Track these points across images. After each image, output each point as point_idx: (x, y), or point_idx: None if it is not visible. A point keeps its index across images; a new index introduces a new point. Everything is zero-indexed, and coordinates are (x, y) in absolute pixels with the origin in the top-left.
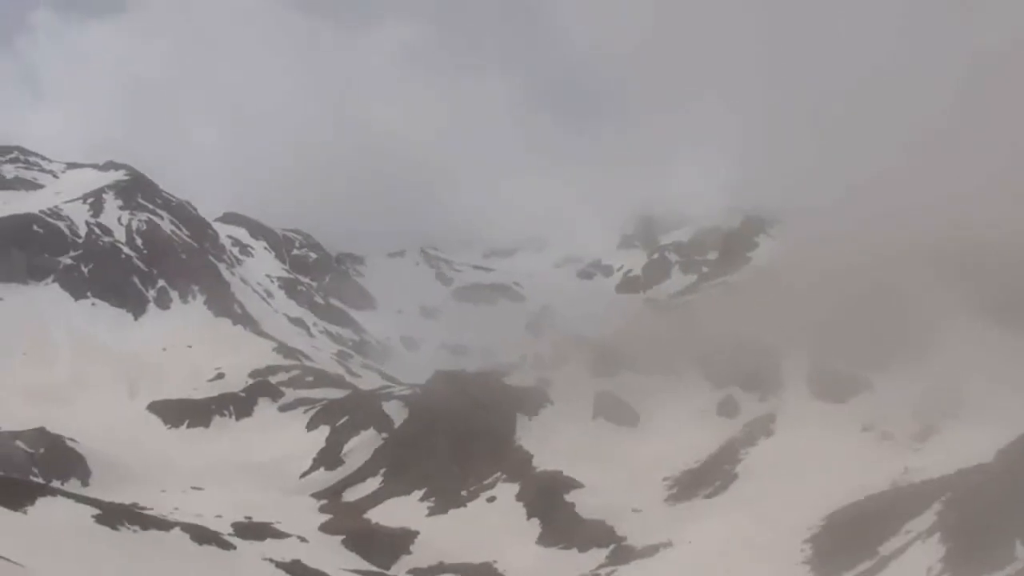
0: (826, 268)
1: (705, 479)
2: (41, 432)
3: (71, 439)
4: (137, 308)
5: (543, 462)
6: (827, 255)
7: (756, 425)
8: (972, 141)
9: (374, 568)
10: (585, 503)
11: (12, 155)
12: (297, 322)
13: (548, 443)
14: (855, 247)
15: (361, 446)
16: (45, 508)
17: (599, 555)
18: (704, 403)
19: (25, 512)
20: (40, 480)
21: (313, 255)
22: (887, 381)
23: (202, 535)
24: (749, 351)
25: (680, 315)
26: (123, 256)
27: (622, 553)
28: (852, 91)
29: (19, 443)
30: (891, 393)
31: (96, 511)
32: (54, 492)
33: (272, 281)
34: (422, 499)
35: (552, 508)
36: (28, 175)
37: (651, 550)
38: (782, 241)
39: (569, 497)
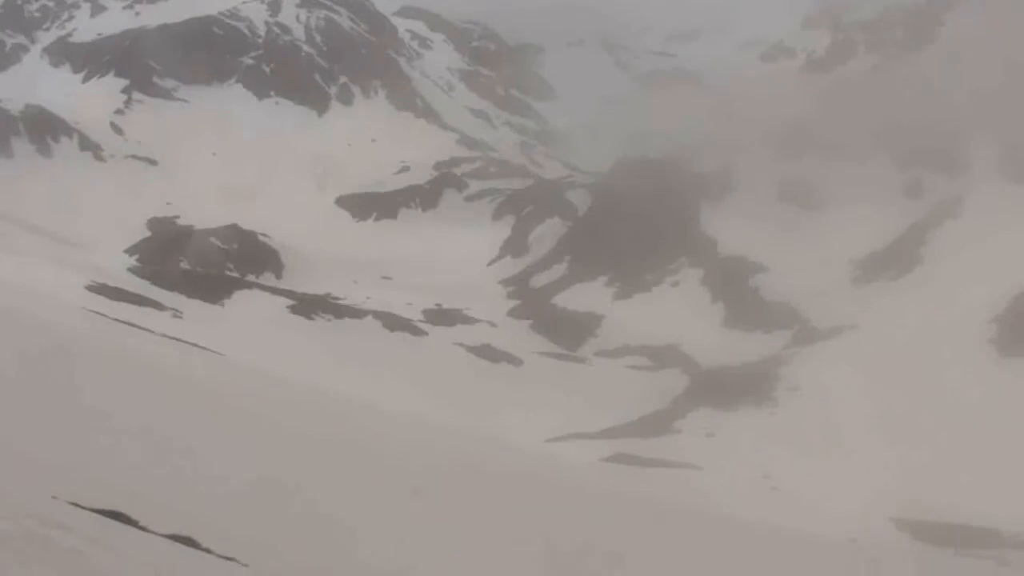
0: (1019, 45)
1: (890, 261)
2: (234, 229)
3: (263, 235)
4: (320, 105)
5: (727, 247)
6: (1020, 31)
7: (943, 207)
8: None
9: (562, 350)
10: (769, 286)
11: None
12: (479, 114)
13: (732, 228)
14: None
15: (546, 234)
16: (241, 301)
17: (784, 336)
18: (890, 185)
19: (222, 305)
20: (235, 275)
21: (492, 46)
22: None
23: (394, 322)
24: (937, 132)
25: (866, 96)
26: (304, 54)
27: (807, 334)
28: None
29: (214, 240)
30: None
31: (291, 302)
32: (250, 285)
33: (452, 74)
34: (607, 284)
35: (736, 291)
36: None
37: (836, 331)
38: (974, 16)
39: (753, 280)
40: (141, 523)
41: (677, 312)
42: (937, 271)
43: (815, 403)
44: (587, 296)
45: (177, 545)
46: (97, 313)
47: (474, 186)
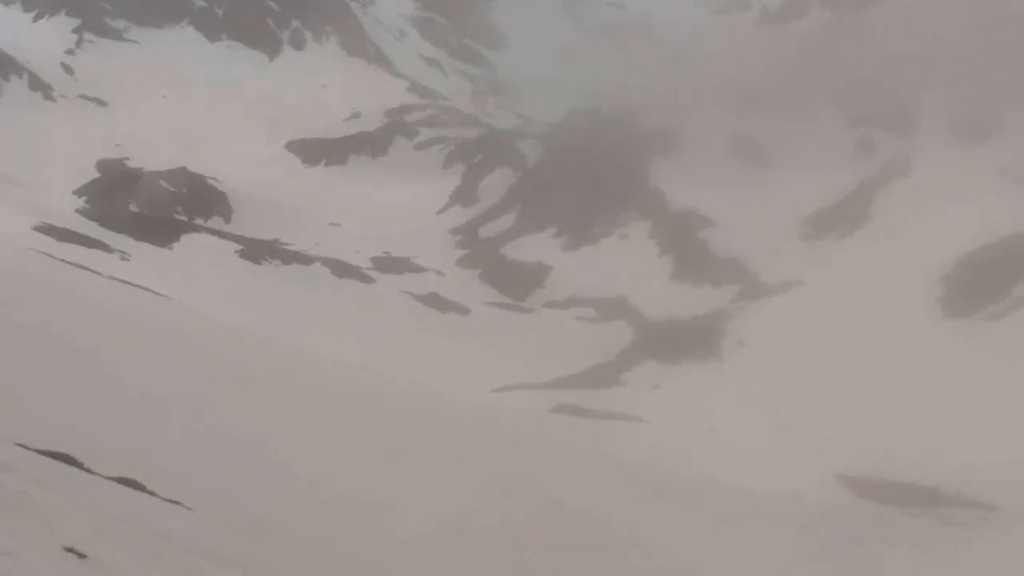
0: (970, 5)
1: (839, 219)
2: (183, 172)
3: (212, 178)
4: (272, 49)
5: (676, 201)
6: None
7: (893, 166)
8: None
9: (509, 301)
10: (718, 241)
11: None
12: (431, 62)
13: (682, 182)
14: None
15: (496, 184)
16: (190, 244)
17: (731, 291)
18: (840, 142)
19: (170, 248)
20: (184, 218)
21: None
22: None
23: (342, 269)
24: (888, 91)
25: (818, 53)
26: None
27: (754, 290)
28: None
29: (163, 183)
30: None
31: (239, 247)
32: (198, 229)
33: (405, 20)
34: (555, 235)
35: (685, 245)
36: None
37: (783, 287)
38: None
39: (702, 235)
40: (86, 465)
41: (625, 265)
42: (886, 230)
43: (761, 358)
44: (536, 247)
45: (122, 487)
46: (44, 254)
47: (425, 134)
